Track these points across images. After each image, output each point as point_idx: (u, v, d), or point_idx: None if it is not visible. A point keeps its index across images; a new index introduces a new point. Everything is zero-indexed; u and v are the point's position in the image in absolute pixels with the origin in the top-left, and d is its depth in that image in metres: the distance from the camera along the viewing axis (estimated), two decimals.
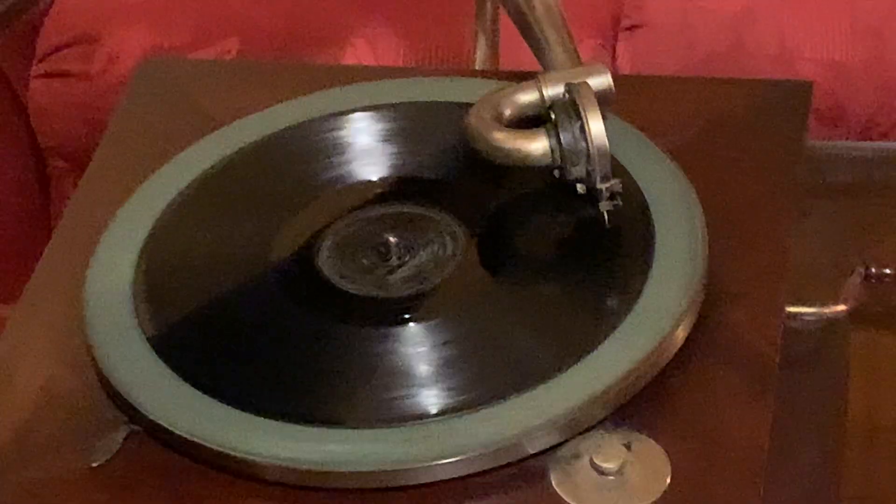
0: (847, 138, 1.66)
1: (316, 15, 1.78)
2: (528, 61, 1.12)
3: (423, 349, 0.98)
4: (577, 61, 1.05)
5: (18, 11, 0.92)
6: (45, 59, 1.84)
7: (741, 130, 1.11)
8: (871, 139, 1.68)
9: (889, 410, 1.20)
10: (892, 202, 1.34)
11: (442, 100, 1.13)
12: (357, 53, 1.73)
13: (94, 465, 0.93)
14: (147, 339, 0.98)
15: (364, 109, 1.13)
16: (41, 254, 1.20)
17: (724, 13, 1.76)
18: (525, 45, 1.09)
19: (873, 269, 1.21)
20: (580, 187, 1.01)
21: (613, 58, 1.75)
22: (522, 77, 1.06)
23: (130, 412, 0.95)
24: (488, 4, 1.15)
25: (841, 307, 1.16)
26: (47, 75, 1.83)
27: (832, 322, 1.17)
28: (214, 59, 1.34)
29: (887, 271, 1.21)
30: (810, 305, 1.15)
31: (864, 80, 1.71)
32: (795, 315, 1.13)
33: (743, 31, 1.75)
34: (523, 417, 0.91)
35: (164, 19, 1.81)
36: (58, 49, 1.83)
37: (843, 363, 1.19)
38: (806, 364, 1.15)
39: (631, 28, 1.78)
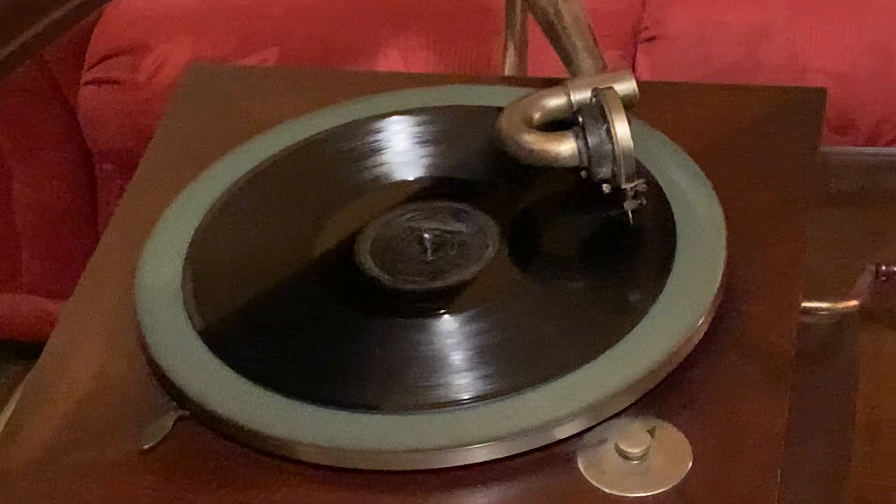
0: (856, 146, 1.66)
1: (351, 26, 1.79)
2: (554, 70, 1.12)
3: (456, 339, 0.98)
4: (603, 68, 1.06)
5: (70, 22, 0.92)
6: (94, 67, 1.84)
7: (758, 135, 1.11)
8: (878, 143, 1.68)
9: (893, 404, 1.20)
10: (853, 199, 1.34)
11: (474, 104, 1.13)
12: (390, 63, 1.73)
13: (145, 448, 0.94)
14: (196, 330, 0.99)
15: (400, 114, 1.13)
16: (90, 252, 1.21)
17: (739, 27, 1.76)
18: (551, 53, 1.09)
19: (883, 268, 1.21)
20: (606, 187, 1.01)
21: (633, 68, 1.75)
22: (550, 83, 1.06)
23: (179, 398, 0.96)
24: (518, 15, 1.15)
25: (853, 302, 1.16)
26: (96, 82, 1.83)
27: (844, 317, 1.18)
28: (256, 66, 1.34)
29: (892, 269, 1.21)
30: (824, 301, 1.15)
31: (870, 90, 1.71)
32: (809, 310, 1.13)
33: (756, 45, 1.75)
34: (552, 405, 0.92)
35: (207, 30, 1.82)
36: (106, 58, 1.83)
37: (853, 358, 1.20)
38: (818, 357, 1.15)
39: (650, 40, 1.78)
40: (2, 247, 2.03)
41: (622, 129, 0.98)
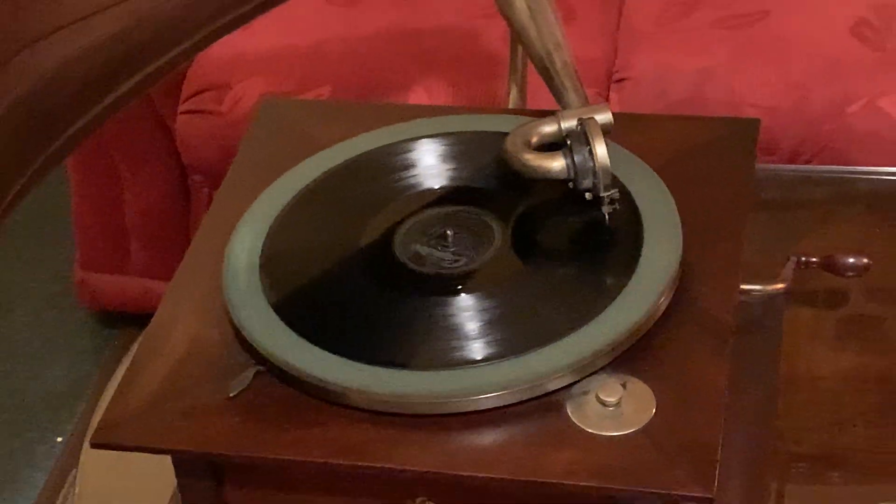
0: (779, 164, 1.66)
1: (387, 68, 1.79)
2: (547, 103, 1.12)
3: (470, 313, 0.98)
4: (585, 102, 1.06)
5: (174, 67, 0.93)
6: (187, 100, 1.84)
7: (706, 155, 1.12)
8: (797, 161, 1.67)
9: (808, 363, 1.19)
10: (813, 210, 1.33)
11: (484, 130, 1.13)
12: (417, 97, 1.73)
13: (231, 395, 0.94)
14: (269, 303, 0.99)
15: (426, 137, 1.13)
16: (184, 244, 1.21)
17: (689, 71, 1.76)
18: (545, 90, 1.09)
19: (802, 259, 1.21)
20: (588, 195, 1.01)
21: (606, 102, 1.75)
22: (544, 114, 1.06)
23: (257, 357, 0.96)
24: (519, 60, 1.15)
25: (780, 286, 1.16)
26: (189, 112, 1.83)
27: (772, 297, 1.18)
28: (313, 100, 1.34)
29: (813, 260, 1.21)
30: (757, 284, 1.15)
31: (791, 121, 1.71)
32: (746, 291, 1.13)
33: (703, 85, 1.74)
34: (546, 364, 0.93)
35: (274, 71, 1.81)
36: (197, 93, 1.83)
37: (778, 328, 1.20)
38: (752, 328, 1.15)
39: (620, 81, 1.78)
40: (115, 240, 2.04)
41: (601, 150, 0.99)
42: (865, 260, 1.22)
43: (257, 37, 1.82)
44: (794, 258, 1.21)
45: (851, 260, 1.21)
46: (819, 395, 1.17)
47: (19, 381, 2.11)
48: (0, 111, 0.70)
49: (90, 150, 1.94)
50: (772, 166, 1.42)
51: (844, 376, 1.18)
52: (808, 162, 1.69)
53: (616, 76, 1.79)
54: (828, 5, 1.81)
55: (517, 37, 1.06)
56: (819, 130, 1.70)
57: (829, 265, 1.21)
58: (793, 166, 1.63)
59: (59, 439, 2.01)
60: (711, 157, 1.11)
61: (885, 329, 1.22)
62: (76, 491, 1.22)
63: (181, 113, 1.82)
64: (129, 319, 2.09)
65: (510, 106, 1.16)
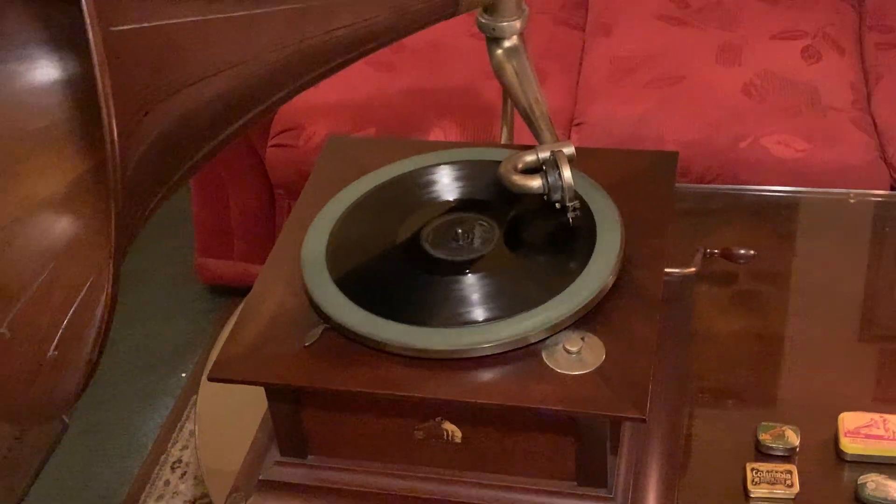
0: (691, 183, 1.65)
1: (414, 115, 1.78)
2: (528, 140, 1.11)
3: (475, 288, 0.97)
4: (556, 139, 1.06)
5: (266, 115, 0.93)
6: (274, 137, 1.83)
7: (641, 177, 1.11)
8: (704, 182, 1.67)
9: (710, 324, 1.19)
10: (715, 216, 1.33)
11: (484, 159, 1.12)
12: (436, 135, 1.73)
13: (306, 345, 0.94)
14: (333, 280, 0.98)
15: (443, 164, 1.12)
16: (273, 239, 1.21)
17: (628, 117, 1.75)
18: (527, 130, 1.08)
19: (707, 251, 1.20)
20: (557, 205, 1.00)
21: (570, 140, 1.74)
22: (526, 148, 1.05)
23: (324, 318, 0.96)
24: (509, 109, 1.15)
25: (692, 269, 1.16)
26: (275, 146, 1.83)
27: (686, 278, 1.17)
28: (363, 137, 1.34)
29: (715, 251, 1.21)
30: (676, 268, 1.15)
31: (700, 152, 1.70)
32: (669, 273, 1.13)
33: (638, 127, 1.74)
34: (528, 323, 0.92)
35: (335, 117, 1.81)
36: (281, 132, 1.82)
37: (691, 300, 1.19)
38: (673, 300, 1.14)
39: (578, 124, 1.77)
40: (223, 235, 2.04)
41: (567, 174, 0.98)
42: (752, 252, 1.22)
43: (323, 92, 1.81)
44: (701, 250, 1.20)
45: (742, 251, 1.21)
46: (718, 347, 1.17)
47: (155, 334, 2.11)
48: (146, 145, 0.70)
49: (206, 171, 1.94)
50: (686, 185, 1.41)
51: (735, 334, 1.18)
52: (711, 182, 1.69)
53: (575, 121, 1.78)
54: (725, 72, 1.80)
55: (507, 93, 1.06)
56: (719, 159, 1.70)
57: (726, 255, 1.21)
58: (701, 185, 1.63)
59: (184, 375, 2.01)
60: (644, 179, 1.09)
61: (763, 301, 1.21)
62: (196, 411, 1.22)
63: (270, 146, 1.82)
64: (232, 291, 2.08)
65: (502, 141, 1.15)
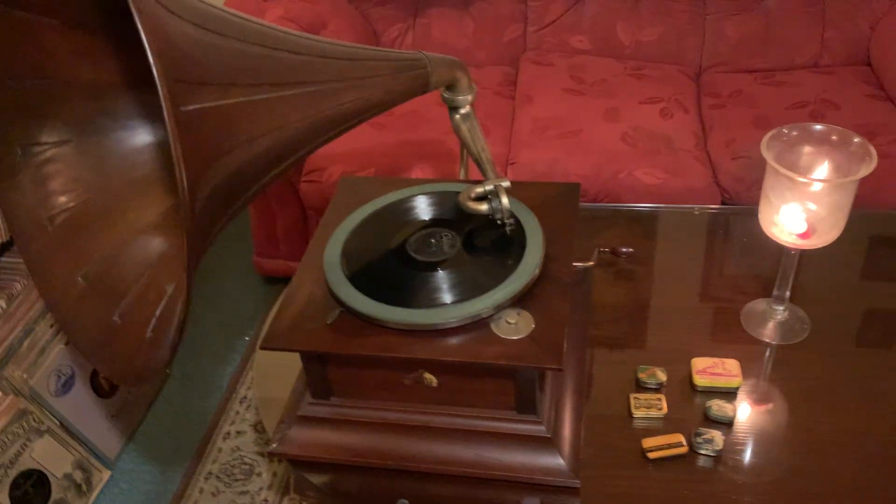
0: (587, 202, 1.62)
1: (400, 160, 1.75)
2: (478, 177, 1.08)
3: (444, 280, 0.94)
4: (497, 177, 1.02)
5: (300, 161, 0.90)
6: (305, 175, 1.79)
7: (555, 200, 1.08)
8: (597, 202, 1.64)
9: (602, 295, 1.16)
10: (604, 225, 1.30)
11: (449, 191, 1.09)
12: (415, 173, 1.69)
13: (328, 323, 0.90)
14: (345, 276, 0.95)
15: (421, 194, 1.09)
16: (305, 245, 1.16)
17: (545, 160, 1.72)
18: (477, 171, 1.05)
19: (600, 249, 1.18)
20: (499, 222, 0.98)
21: (506, 177, 1.72)
22: (477, 182, 1.02)
23: (340, 303, 0.92)
24: (465, 156, 1.10)
25: (591, 263, 1.13)
26: (307, 181, 1.78)
27: (587, 269, 1.14)
28: (366, 176, 1.29)
29: (605, 249, 1.18)
30: (580, 262, 1.12)
31: (593, 182, 1.68)
32: (575, 266, 1.10)
33: (552, 167, 1.71)
34: (480, 305, 0.89)
35: (346, 161, 1.77)
36: (310, 171, 1.78)
37: (590, 284, 1.16)
38: (580, 283, 1.11)
39: (512, 164, 1.74)
40: (271, 241, 1.99)
41: (505, 201, 0.95)
42: (631, 249, 1.20)
43: (338, 145, 1.77)
44: (597, 249, 1.18)
45: (624, 249, 1.19)
46: (609, 310, 1.13)
47: (228, 310, 2.07)
48: (209, 189, 0.66)
49: (260, 200, 1.90)
50: (585, 204, 1.38)
51: (618, 299, 1.15)
52: (601, 201, 1.66)
53: (510, 161, 1.75)
54: (609, 126, 1.77)
55: (463, 144, 1.02)
56: (606, 186, 1.67)
57: (613, 251, 1.19)
58: (594, 204, 1.60)
59: (247, 338, 1.97)
60: (558, 202, 1.06)
61: (637, 280, 1.17)
62: (254, 363, 1.18)
63: (302, 181, 1.77)
64: (279, 280, 2.04)
65: (461, 178, 1.12)
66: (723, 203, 1.66)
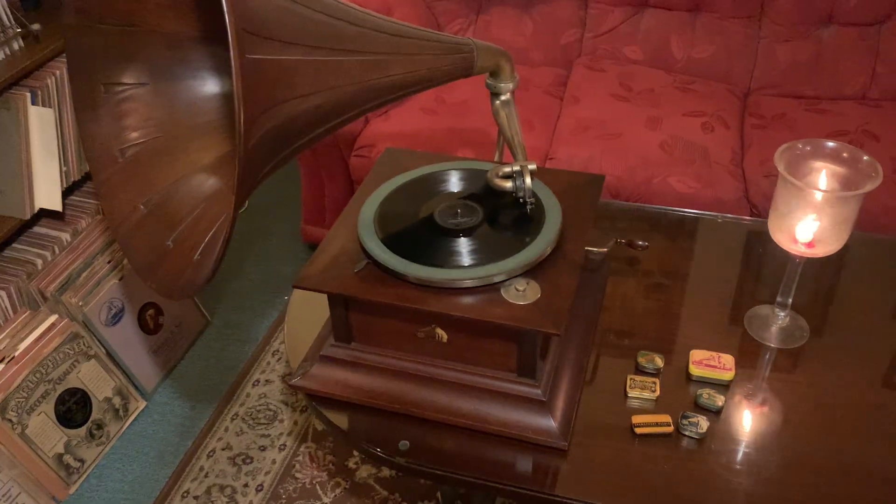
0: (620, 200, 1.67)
1: (447, 143, 1.80)
2: (510, 159, 1.13)
3: (465, 245, 0.99)
4: (525, 158, 1.06)
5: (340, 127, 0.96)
6: (356, 150, 1.85)
7: (579, 188, 1.11)
8: (616, 198, 1.69)
9: (617, 288, 1.19)
10: (631, 222, 1.33)
11: (478, 168, 1.13)
12: (460, 154, 1.75)
13: (355, 271, 0.96)
14: (377, 234, 1.01)
15: (453, 169, 1.14)
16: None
17: (583, 156, 1.77)
18: (509, 154, 1.10)
19: (620, 240, 1.22)
20: (521, 200, 1.02)
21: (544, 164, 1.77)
22: (506, 163, 1.06)
23: (368, 256, 0.98)
24: (500, 140, 1.15)
25: (604, 249, 1.17)
26: (357, 156, 1.85)
27: (602, 255, 1.18)
28: (407, 149, 1.35)
29: (623, 240, 1.22)
30: (594, 247, 1.17)
31: (627, 184, 1.72)
32: (589, 250, 1.15)
33: (588, 163, 1.75)
34: (495, 270, 0.94)
35: (395, 141, 1.83)
36: (360, 147, 1.85)
37: (605, 271, 1.20)
38: (595, 270, 1.16)
39: (551, 159, 1.78)
40: (319, 210, 2.08)
41: (528, 181, 1.00)
42: (646, 243, 1.23)
43: (390, 125, 1.84)
44: (614, 238, 1.22)
45: (639, 242, 1.22)
46: (621, 299, 1.17)
47: (272, 270, 2.16)
48: (261, 132, 0.74)
49: (311, 168, 1.97)
50: (617, 202, 1.41)
51: (634, 293, 1.18)
52: (634, 202, 1.70)
53: (549, 156, 1.80)
54: (649, 134, 1.81)
55: (500, 129, 1.07)
56: (639, 189, 1.71)
57: (629, 243, 1.22)
58: (626, 202, 1.63)
59: (286, 297, 2.05)
60: (581, 189, 1.10)
61: (650, 273, 1.19)
62: (288, 310, 1.24)
63: (353, 156, 1.85)
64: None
65: (495, 160, 1.17)
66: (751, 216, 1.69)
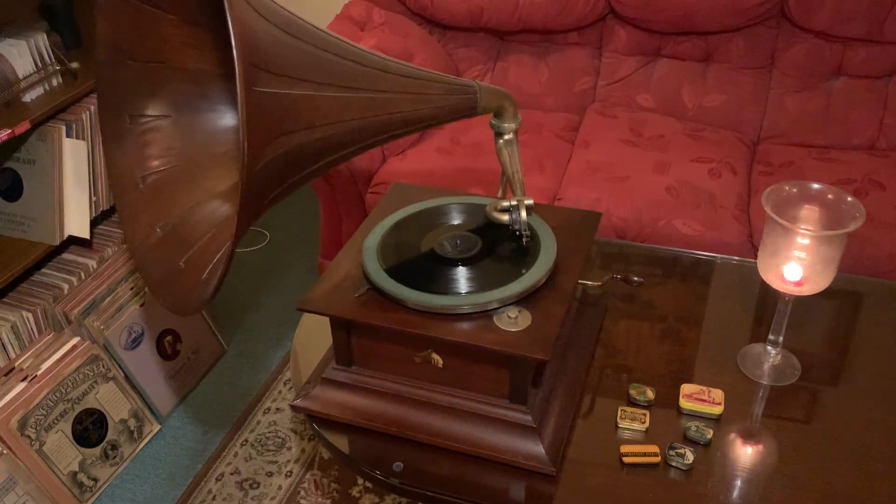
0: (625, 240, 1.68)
1: (458, 181, 1.84)
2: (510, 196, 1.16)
3: (463, 274, 1.02)
4: (523, 194, 1.09)
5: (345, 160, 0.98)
6: (372, 187, 1.89)
7: (576, 224, 1.14)
8: (622, 239, 1.71)
9: (616, 326, 1.21)
10: (633, 261, 1.35)
11: (482, 203, 1.16)
12: (469, 190, 1.79)
13: (356, 296, 1.00)
14: (379, 262, 1.04)
15: (454, 203, 1.17)
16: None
17: (591, 198, 1.79)
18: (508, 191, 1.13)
19: (614, 276, 1.24)
20: (517, 233, 1.06)
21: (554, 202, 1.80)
22: (506, 199, 1.10)
23: (370, 282, 1.02)
24: (504, 181, 1.17)
25: (598, 283, 1.19)
26: (372, 193, 1.88)
27: (597, 290, 1.20)
28: (414, 184, 1.38)
29: (618, 276, 1.24)
30: (589, 281, 1.19)
31: (632, 225, 1.73)
32: (583, 283, 1.17)
33: (595, 205, 1.77)
34: (489, 299, 0.97)
35: (410, 179, 1.85)
36: (376, 184, 1.88)
37: (603, 307, 1.22)
38: (592, 304, 1.18)
39: (559, 199, 1.80)
40: (337, 245, 2.11)
41: (523, 214, 1.04)
42: (641, 279, 1.24)
43: (405, 164, 1.89)
44: (611, 274, 1.24)
45: (635, 278, 1.24)
46: (621, 336, 1.18)
47: (288, 303, 2.18)
48: (266, 161, 0.78)
49: (329, 204, 2.02)
50: (623, 241, 1.43)
51: (631, 328, 1.20)
52: (639, 242, 1.72)
53: (557, 197, 1.83)
54: (656, 178, 1.84)
55: (502, 167, 1.10)
56: (644, 231, 1.73)
57: (626, 279, 1.24)
58: (632, 243, 1.65)
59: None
60: (578, 225, 1.13)
61: (648, 309, 1.21)
62: (296, 334, 1.27)
63: (369, 193, 1.89)
64: None
65: (498, 196, 1.20)
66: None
